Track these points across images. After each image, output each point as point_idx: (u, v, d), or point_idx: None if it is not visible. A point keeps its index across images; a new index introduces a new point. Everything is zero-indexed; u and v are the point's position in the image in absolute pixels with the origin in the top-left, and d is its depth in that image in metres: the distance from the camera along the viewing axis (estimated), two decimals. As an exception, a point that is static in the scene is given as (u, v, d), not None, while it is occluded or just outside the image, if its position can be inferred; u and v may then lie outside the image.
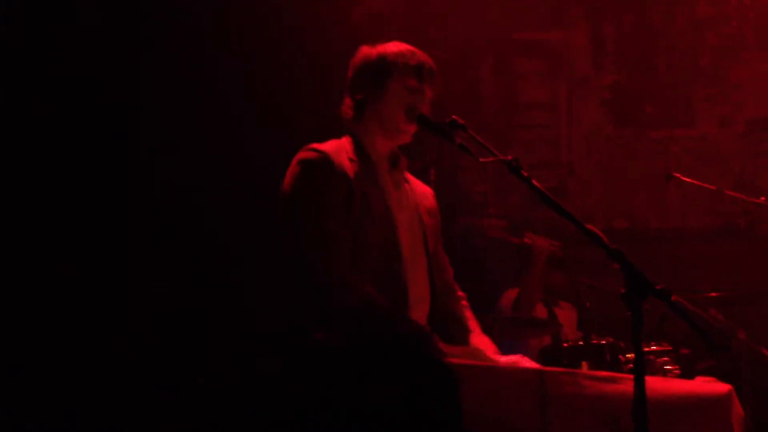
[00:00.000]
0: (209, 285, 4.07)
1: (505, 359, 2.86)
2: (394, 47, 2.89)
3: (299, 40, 4.58)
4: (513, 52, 6.02)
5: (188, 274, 4.03)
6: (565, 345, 3.66)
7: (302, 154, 2.78)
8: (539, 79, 6.03)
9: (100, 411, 3.64)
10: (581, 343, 3.62)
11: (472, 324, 2.99)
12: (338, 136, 2.92)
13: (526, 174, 2.47)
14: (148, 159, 4.07)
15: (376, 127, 2.86)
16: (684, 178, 4.45)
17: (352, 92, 2.89)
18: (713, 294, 4.32)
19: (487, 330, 3.79)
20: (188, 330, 3.93)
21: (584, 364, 3.57)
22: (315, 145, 2.79)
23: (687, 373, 3.53)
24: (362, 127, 2.87)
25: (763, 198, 4.35)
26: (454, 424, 1.26)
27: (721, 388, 2.88)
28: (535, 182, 2.46)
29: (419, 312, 2.80)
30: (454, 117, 2.66)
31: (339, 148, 2.81)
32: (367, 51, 2.90)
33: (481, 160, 2.54)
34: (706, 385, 3.00)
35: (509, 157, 2.48)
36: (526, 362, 2.80)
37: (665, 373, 3.54)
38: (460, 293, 3.08)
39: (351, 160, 2.79)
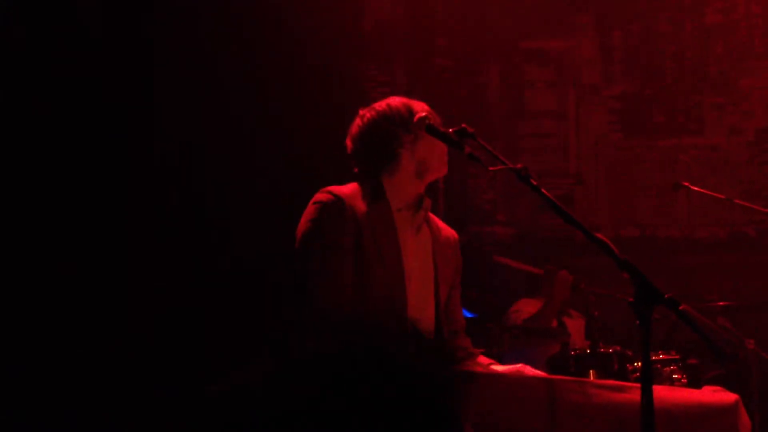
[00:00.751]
0: (210, 285, 4.08)
1: (506, 368, 2.86)
2: (396, 105, 2.92)
3: (308, 48, 4.60)
4: (521, 60, 6.03)
5: (189, 274, 4.03)
6: (573, 353, 3.66)
7: (318, 196, 2.81)
8: (547, 88, 6.04)
9: (99, 411, 3.64)
10: (589, 351, 3.62)
11: (484, 360, 2.97)
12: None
13: (535, 182, 2.48)
14: (148, 159, 4.08)
15: (412, 168, 2.88)
16: (692, 187, 4.44)
17: (376, 142, 2.90)
18: (721, 303, 4.31)
19: (495, 339, 3.79)
20: (189, 331, 3.93)
21: (592, 372, 3.57)
22: (332, 188, 2.82)
23: (694, 383, 3.52)
24: (390, 175, 2.89)
25: (771, 207, 4.35)
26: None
27: (729, 397, 2.87)
28: (544, 191, 2.46)
29: None
30: (463, 125, 2.67)
31: (357, 193, 2.84)
32: (379, 107, 2.92)
33: (490, 168, 2.54)
34: (713, 395, 2.99)
35: (519, 166, 2.48)
36: (529, 371, 2.81)
37: (672, 382, 3.53)
38: (473, 350, 3.05)
39: (368, 206, 2.81)
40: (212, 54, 4.30)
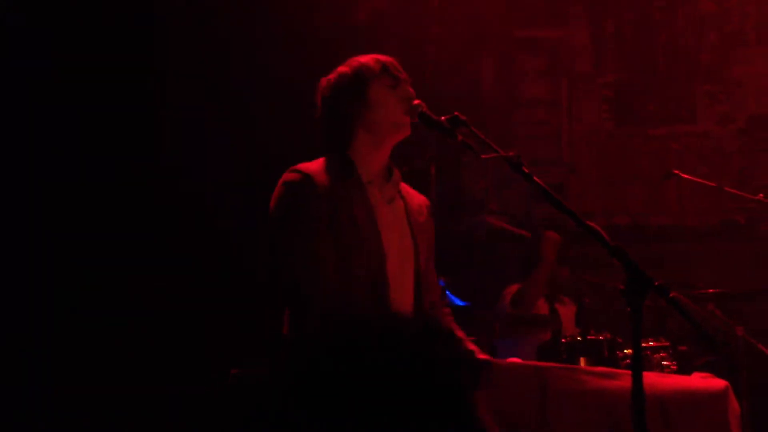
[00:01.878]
0: (208, 284, 4.08)
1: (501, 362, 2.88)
2: (352, 62, 2.88)
3: (302, 38, 4.59)
4: (514, 49, 6.03)
5: (189, 274, 4.03)
6: (564, 341, 3.68)
7: (286, 176, 2.77)
8: (540, 77, 6.04)
9: (98, 411, 3.65)
10: (579, 338, 3.64)
11: (461, 333, 2.96)
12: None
13: (527, 171, 2.49)
14: (146, 158, 4.08)
15: (369, 139, 2.83)
16: (683, 175, 4.46)
17: (331, 118, 2.87)
18: (712, 291, 4.33)
19: (487, 327, 3.81)
20: (189, 332, 3.94)
21: (582, 359, 3.59)
22: (300, 166, 2.77)
23: (684, 369, 3.55)
24: (355, 146, 2.84)
25: (762, 195, 4.36)
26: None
27: (718, 384, 2.90)
28: (536, 179, 2.48)
29: None
30: (456, 113, 2.67)
31: (324, 168, 2.79)
32: (330, 77, 2.88)
33: (483, 157, 2.54)
34: (702, 381, 3.02)
35: (511, 154, 2.49)
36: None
37: (662, 369, 3.56)
38: (446, 309, 3.04)
39: (338, 179, 2.77)
40: (205, 47, 4.29)
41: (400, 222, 2.87)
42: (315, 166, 2.80)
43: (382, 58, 2.88)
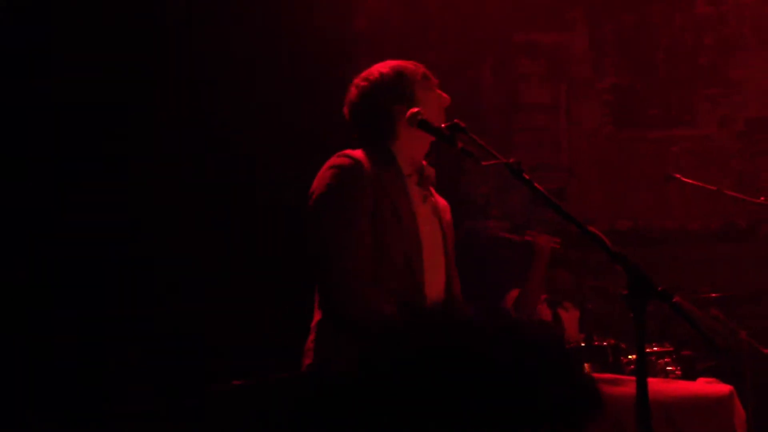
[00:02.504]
0: (214, 286, 4.08)
1: None
2: (395, 63, 2.95)
3: (301, 45, 4.59)
4: (513, 53, 6.03)
5: (193, 274, 4.03)
6: (568, 346, 3.67)
7: (335, 159, 2.81)
8: (540, 81, 6.04)
9: (97, 411, 3.64)
10: (583, 344, 3.64)
11: None
12: (342, 142, 2.94)
13: (527, 176, 2.48)
14: (147, 161, 4.07)
15: (410, 135, 2.88)
16: (684, 179, 4.46)
17: (374, 113, 2.91)
18: (714, 294, 4.33)
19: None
20: (196, 334, 3.93)
21: (586, 365, 3.59)
22: (348, 151, 2.82)
23: (688, 374, 3.54)
24: (395, 140, 2.90)
25: (763, 198, 4.36)
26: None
27: (723, 389, 2.89)
28: (536, 184, 2.47)
29: None
30: (455, 120, 2.67)
31: (369, 158, 2.83)
32: (368, 76, 2.93)
33: (484, 163, 2.54)
34: (707, 387, 3.01)
35: (511, 160, 2.49)
36: None
37: (667, 374, 3.55)
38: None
39: (381, 169, 2.82)
40: (205, 51, 4.29)
41: (432, 217, 2.94)
42: (360, 153, 2.84)
43: (419, 64, 2.99)
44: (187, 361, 3.86)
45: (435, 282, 2.86)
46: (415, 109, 2.80)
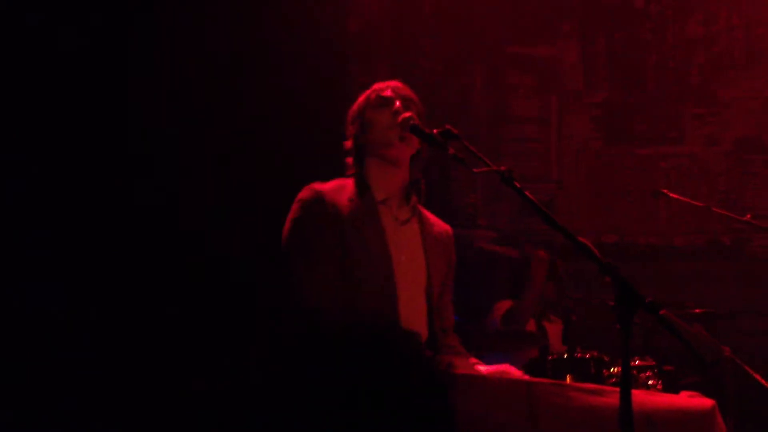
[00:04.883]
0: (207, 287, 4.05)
1: (490, 369, 2.86)
2: (376, 93, 2.96)
3: (295, 51, 4.59)
4: (505, 65, 6.05)
5: (188, 275, 4.01)
6: (550, 358, 3.67)
7: (300, 194, 2.83)
8: (530, 93, 6.06)
9: (95, 411, 3.62)
10: (566, 356, 3.64)
11: (471, 360, 2.97)
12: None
13: (518, 185, 2.48)
14: (148, 161, 4.06)
15: (374, 162, 2.89)
16: (671, 195, 4.47)
17: (346, 144, 2.97)
18: (698, 310, 4.34)
19: (476, 343, 3.80)
20: (187, 332, 3.90)
21: (568, 377, 3.58)
22: (314, 184, 2.83)
23: (670, 389, 3.54)
24: (366, 168, 2.91)
25: (749, 216, 4.38)
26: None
27: (705, 403, 2.90)
28: (527, 193, 2.47)
29: None
30: (447, 126, 2.66)
31: (340, 188, 2.83)
32: (358, 101, 2.98)
33: (475, 171, 2.53)
34: (690, 400, 3.02)
35: (502, 168, 2.49)
36: (514, 371, 2.81)
37: (648, 388, 3.55)
38: (461, 349, 3.05)
39: (351, 200, 2.80)
40: (195, 52, 4.28)
41: (412, 243, 2.88)
42: (330, 185, 2.85)
43: (382, 84, 2.97)
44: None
45: (413, 311, 2.80)
46: (407, 114, 2.79)
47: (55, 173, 3.75)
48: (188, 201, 4.11)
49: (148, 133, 4.03)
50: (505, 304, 4.81)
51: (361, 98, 2.95)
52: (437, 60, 5.83)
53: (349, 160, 2.94)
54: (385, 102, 2.87)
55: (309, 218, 2.75)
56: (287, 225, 2.79)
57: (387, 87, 2.93)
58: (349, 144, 2.94)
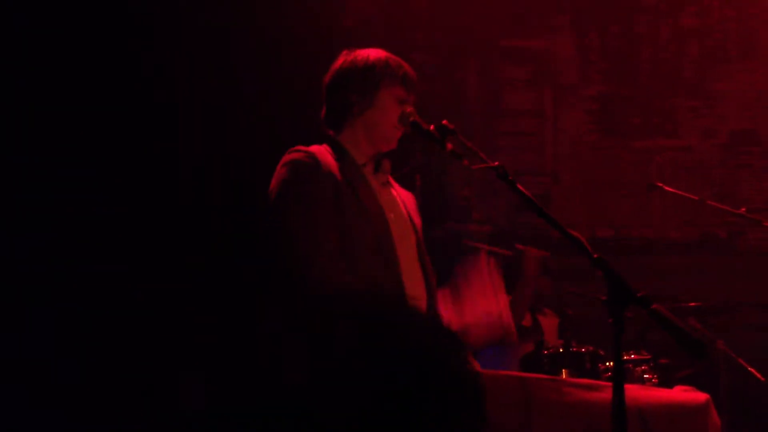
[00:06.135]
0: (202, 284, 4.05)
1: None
2: (377, 54, 2.89)
3: (289, 44, 4.58)
4: (499, 58, 6.04)
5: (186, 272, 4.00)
6: (546, 352, 3.68)
7: (288, 156, 2.78)
8: (525, 86, 6.05)
9: (94, 412, 3.61)
10: (562, 350, 3.64)
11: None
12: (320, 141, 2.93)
13: (512, 179, 2.49)
14: (146, 161, 4.05)
15: (362, 134, 2.86)
16: (666, 188, 4.47)
17: (334, 98, 2.88)
18: (692, 304, 4.34)
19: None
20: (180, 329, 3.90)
21: (564, 371, 3.59)
22: (300, 147, 2.79)
23: (665, 383, 3.55)
24: (346, 134, 2.87)
25: (744, 209, 4.38)
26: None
27: (699, 397, 2.91)
28: (521, 187, 2.48)
29: None
30: (444, 122, 2.66)
31: (323, 150, 2.81)
32: (349, 58, 2.89)
33: (473, 167, 2.54)
34: (684, 394, 3.03)
35: (496, 163, 2.49)
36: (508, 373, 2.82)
37: (644, 382, 3.56)
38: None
39: (337, 161, 2.78)
40: (192, 48, 4.27)
41: (395, 204, 2.89)
42: (314, 148, 2.81)
43: (405, 66, 2.88)
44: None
45: (411, 268, 2.80)
46: (409, 109, 2.79)
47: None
48: (183, 198, 4.11)
49: (137, 127, 4.02)
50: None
51: (368, 60, 2.85)
52: (431, 53, 5.81)
53: (328, 114, 2.87)
54: (406, 98, 2.83)
55: (307, 178, 2.70)
56: (281, 184, 2.72)
57: (410, 78, 2.85)
58: (336, 102, 2.85)
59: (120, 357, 3.72)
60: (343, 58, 2.89)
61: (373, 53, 2.88)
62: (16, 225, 3.66)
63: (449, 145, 2.62)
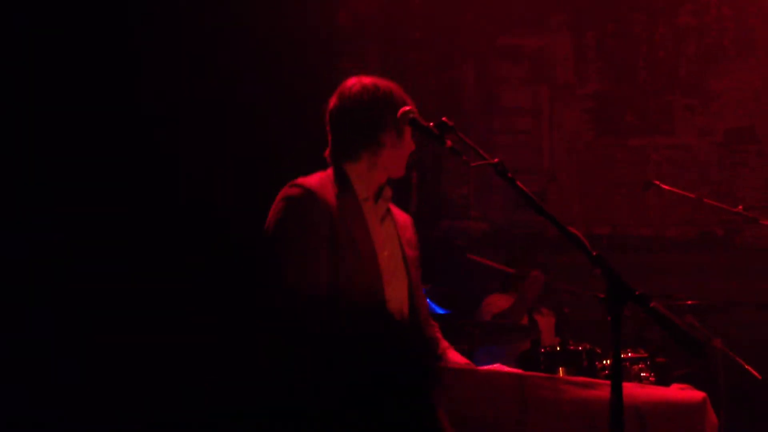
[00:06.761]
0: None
1: (483, 368, 2.86)
2: (384, 89, 2.82)
3: (285, 42, 4.57)
4: (496, 56, 6.04)
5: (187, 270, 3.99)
6: (543, 350, 3.68)
7: (286, 191, 2.74)
8: (521, 85, 6.05)
9: (94, 412, 3.61)
10: (558, 348, 3.64)
11: (445, 343, 2.94)
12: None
13: (510, 176, 2.48)
14: (146, 160, 4.04)
15: (369, 164, 2.83)
16: (663, 186, 4.47)
17: (341, 134, 2.84)
18: (689, 302, 4.34)
19: (466, 335, 3.80)
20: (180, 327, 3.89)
21: (561, 369, 3.59)
22: (300, 181, 2.74)
23: (662, 381, 3.55)
24: (353, 165, 2.83)
25: (741, 207, 4.38)
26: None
27: (696, 395, 2.90)
28: (520, 184, 2.47)
29: None
30: (443, 119, 2.64)
31: (324, 183, 2.77)
32: (355, 91, 2.82)
33: (472, 164, 2.53)
34: (681, 393, 3.02)
35: (495, 160, 2.48)
36: (506, 370, 2.81)
37: (641, 380, 3.56)
38: (433, 322, 3.04)
39: (336, 196, 2.75)
40: (187, 45, 4.26)
41: (391, 240, 2.87)
42: (314, 180, 2.78)
43: (410, 102, 2.84)
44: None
45: (399, 307, 2.78)
46: (407, 108, 2.77)
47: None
48: (183, 198, 4.10)
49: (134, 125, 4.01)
50: (494, 299, 4.81)
51: (379, 94, 2.80)
52: (428, 52, 5.81)
53: (336, 144, 2.83)
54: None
55: (302, 216, 2.69)
56: (277, 223, 2.70)
57: (416, 116, 2.80)
58: (343, 138, 2.82)
59: (120, 357, 3.71)
60: (349, 90, 2.83)
61: (380, 87, 2.83)
62: (16, 225, 3.65)
63: (449, 142, 2.61)
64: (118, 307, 3.75)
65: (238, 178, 4.28)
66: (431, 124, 2.66)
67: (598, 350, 3.59)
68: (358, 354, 1.26)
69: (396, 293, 2.81)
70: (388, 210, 2.91)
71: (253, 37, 4.47)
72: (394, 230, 2.90)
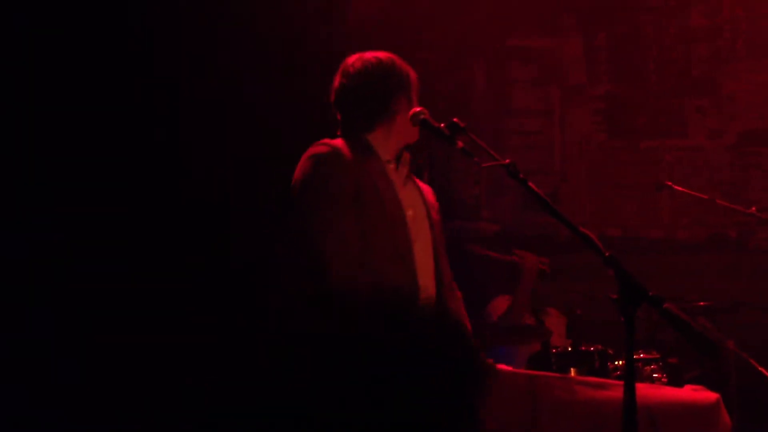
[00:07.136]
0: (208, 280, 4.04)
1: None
2: (387, 60, 2.91)
3: (294, 42, 4.57)
4: (506, 57, 6.03)
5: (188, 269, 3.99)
6: (554, 351, 3.67)
7: (313, 149, 2.80)
8: (532, 86, 6.04)
9: (94, 412, 3.61)
10: (570, 349, 3.63)
11: (467, 322, 2.99)
12: (333, 136, 2.92)
13: (522, 177, 2.48)
14: (145, 160, 4.04)
15: (387, 132, 2.90)
16: (676, 187, 4.45)
17: (352, 107, 2.90)
18: (701, 303, 4.33)
19: (477, 336, 3.80)
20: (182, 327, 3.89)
21: (573, 370, 3.58)
22: (326, 140, 2.81)
23: (674, 382, 3.54)
24: (372, 132, 2.90)
25: (754, 208, 4.36)
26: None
27: (710, 396, 2.89)
28: (532, 185, 2.47)
29: None
30: (455, 120, 2.67)
31: (347, 146, 2.82)
32: (359, 65, 2.90)
33: (483, 165, 2.54)
34: (694, 394, 3.01)
35: (507, 161, 2.49)
36: (517, 371, 2.81)
37: (653, 382, 3.55)
38: (458, 293, 3.08)
39: (361, 157, 2.80)
40: (193, 42, 4.26)
41: (416, 201, 2.92)
42: (339, 141, 2.82)
43: (412, 72, 2.95)
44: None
45: (425, 266, 2.83)
46: (418, 108, 2.82)
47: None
48: (183, 198, 4.10)
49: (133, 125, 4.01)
50: (500, 301, 4.81)
51: (386, 66, 2.89)
52: (438, 53, 5.80)
53: (352, 118, 2.89)
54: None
55: (329, 172, 2.73)
56: (304, 177, 2.74)
57: (417, 83, 2.95)
58: (355, 110, 2.87)
59: (120, 357, 3.71)
60: (352, 66, 2.89)
61: (383, 59, 2.90)
62: (16, 225, 3.66)
63: (460, 143, 2.63)
64: (118, 307, 3.75)
65: (238, 178, 4.27)
66: (442, 125, 2.69)
67: (610, 351, 3.58)
68: (361, 354, 1.24)
69: (421, 250, 2.83)
70: (410, 175, 2.96)
71: (259, 38, 4.46)
72: (418, 193, 2.96)
